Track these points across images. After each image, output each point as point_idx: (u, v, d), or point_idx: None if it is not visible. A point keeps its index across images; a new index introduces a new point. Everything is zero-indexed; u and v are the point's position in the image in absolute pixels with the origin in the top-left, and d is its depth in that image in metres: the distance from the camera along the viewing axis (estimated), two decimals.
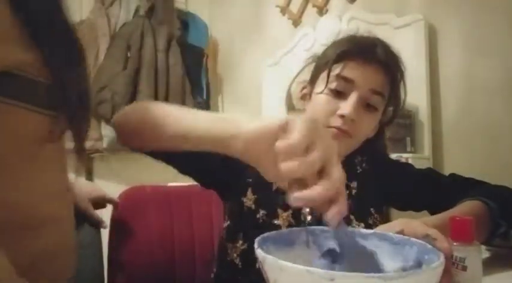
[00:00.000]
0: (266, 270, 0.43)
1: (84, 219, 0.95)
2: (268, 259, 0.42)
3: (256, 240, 0.48)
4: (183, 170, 0.80)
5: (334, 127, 0.76)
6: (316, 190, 0.41)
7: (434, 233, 0.52)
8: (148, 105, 0.66)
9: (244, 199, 0.81)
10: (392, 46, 0.83)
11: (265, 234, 0.52)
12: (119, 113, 0.70)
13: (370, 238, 0.55)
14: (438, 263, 0.43)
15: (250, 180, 0.82)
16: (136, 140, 0.69)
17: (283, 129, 0.43)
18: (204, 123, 0.54)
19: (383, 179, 0.86)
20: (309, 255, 0.53)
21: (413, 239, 0.50)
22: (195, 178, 0.82)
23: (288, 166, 0.41)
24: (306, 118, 0.43)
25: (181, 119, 0.57)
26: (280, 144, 0.42)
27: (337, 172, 0.43)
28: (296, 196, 0.42)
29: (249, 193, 0.81)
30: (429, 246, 0.48)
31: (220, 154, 0.60)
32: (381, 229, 0.57)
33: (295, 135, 0.41)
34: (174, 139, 0.58)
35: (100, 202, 1.00)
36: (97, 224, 0.97)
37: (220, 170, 0.79)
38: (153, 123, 0.60)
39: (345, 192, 0.44)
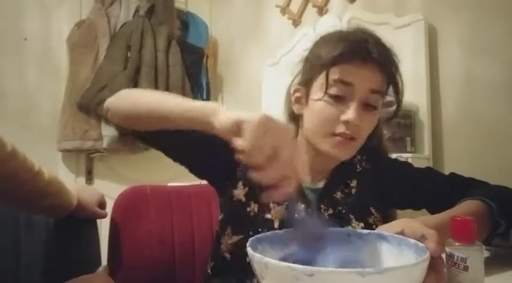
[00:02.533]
0: (255, 268, 0.45)
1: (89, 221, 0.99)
2: (255, 257, 0.44)
3: (250, 239, 0.50)
4: (176, 158, 0.82)
5: (340, 133, 0.76)
6: (263, 175, 0.51)
7: (430, 234, 0.52)
8: (139, 91, 0.78)
9: (235, 192, 0.81)
10: (382, 38, 0.80)
11: (261, 235, 0.53)
12: (111, 98, 0.77)
13: (366, 238, 0.55)
14: (418, 261, 0.43)
15: (241, 172, 0.81)
16: (129, 122, 0.75)
17: (237, 128, 0.52)
18: (183, 104, 0.65)
19: (382, 178, 0.86)
20: (304, 255, 0.54)
21: (410, 239, 0.51)
22: (188, 167, 0.83)
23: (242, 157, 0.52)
24: (258, 121, 0.51)
25: (164, 102, 0.68)
26: (235, 142, 0.52)
27: (286, 159, 0.51)
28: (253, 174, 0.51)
29: (240, 185, 0.81)
30: (420, 245, 0.48)
31: (211, 144, 0.65)
32: (382, 229, 0.57)
33: (242, 142, 0.51)
34: (160, 119, 0.68)
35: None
36: (101, 217, 1.01)
37: (211, 160, 0.80)
38: (144, 107, 0.71)
39: (293, 177, 0.52)
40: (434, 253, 0.48)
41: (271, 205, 0.78)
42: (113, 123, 0.78)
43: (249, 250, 0.46)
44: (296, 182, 0.53)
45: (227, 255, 0.79)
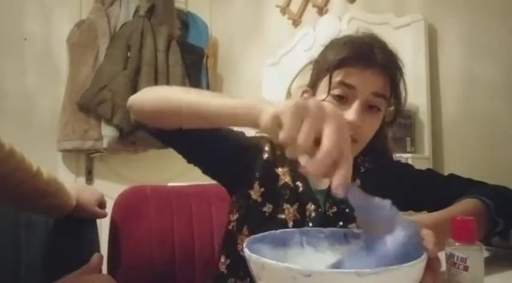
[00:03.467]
0: (252, 268, 0.45)
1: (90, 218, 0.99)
2: (252, 257, 0.44)
3: (247, 240, 0.50)
4: (192, 159, 0.83)
5: None
6: (315, 158, 0.44)
7: (426, 234, 0.52)
8: (166, 88, 0.75)
9: (251, 192, 0.82)
10: (389, 43, 0.83)
11: (259, 235, 0.53)
12: (136, 94, 0.76)
13: (363, 237, 0.56)
14: (415, 261, 0.43)
15: (257, 173, 0.83)
16: (155, 119, 0.74)
17: (278, 125, 0.46)
18: (227, 103, 0.59)
19: (384, 179, 0.86)
20: (303, 255, 0.54)
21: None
22: (202, 168, 0.84)
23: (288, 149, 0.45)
24: (292, 109, 0.45)
25: (204, 100, 0.63)
26: (280, 136, 0.46)
27: (332, 135, 0.44)
28: (301, 166, 0.45)
29: (256, 186, 0.82)
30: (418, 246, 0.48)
31: (230, 147, 0.65)
32: None
33: (281, 135, 0.45)
34: (194, 116, 0.64)
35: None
36: (102, 217, 1.01)
37: (229, 162, 0.82)
38: (174, 104, 0.67)
39: (349, 157, 0.45)
40: (431, 254, 0.48)
41: (284, 205, 0.80)
42: (134, 119, 0.78)
43: (246, 251, 0.46)
44: (350, 162, 0.46)
45: (242, 254, 0.80)
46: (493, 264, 0.73)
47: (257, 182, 0.82)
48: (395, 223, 0.47)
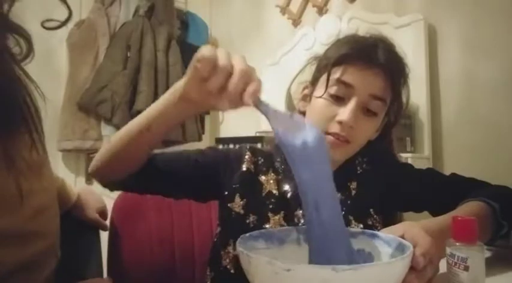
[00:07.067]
0: (242, 264, 0.46)
1: (90, 225, 0.98)
2: (242, 253, 0.45)
3: (241, 236, 0.51)
4: (175, 195, 0.86)
5: (332, 133, 0.75)
6: (232, 80, 0.52)
7: (421, 243, 0.51)
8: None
9: (232, 205, 0.80)
10: (396, 46, 0.80)
11: (255, 232, 0.53)
12: (93, 161, 0.77)
13: (360, 237, 0.56)
14: (394, 259, 0.43)
15: (238, 185, 0.81)
16: (116, 165, 0.74)
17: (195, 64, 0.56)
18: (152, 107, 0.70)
19: (383, 180, 0.85)
20: (299, 253, 0.54)
21: (401, 239, 0.51)
22: (190, 198, 0.87)
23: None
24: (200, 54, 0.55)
25: (135, 120, 0.71)
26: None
27: (239, 63, 0.52)
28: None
29: (237, 198, 0.80)
30: (408, 245, 0.48)
31: (201, 170, 0.76)
32: (383, 232, 0.57)
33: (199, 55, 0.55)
34: (142, 133, 0.69)
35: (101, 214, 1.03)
36: (102, 228, 1.00)
37: (205, 186, 0.82)
38: (120, 138, 0.71)
39: (257, 79, 0.53)
40: (416, 264, 0.48)
41: (269, 214, 0.78)
42: (105, 181, 0.78)
43: (238, 246, 0.47)
44: (259, 82, 0.53)
45: (230, 268, 0.79)
46: (494, 264, 0.73)
47: (237, 194, 0.80)
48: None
